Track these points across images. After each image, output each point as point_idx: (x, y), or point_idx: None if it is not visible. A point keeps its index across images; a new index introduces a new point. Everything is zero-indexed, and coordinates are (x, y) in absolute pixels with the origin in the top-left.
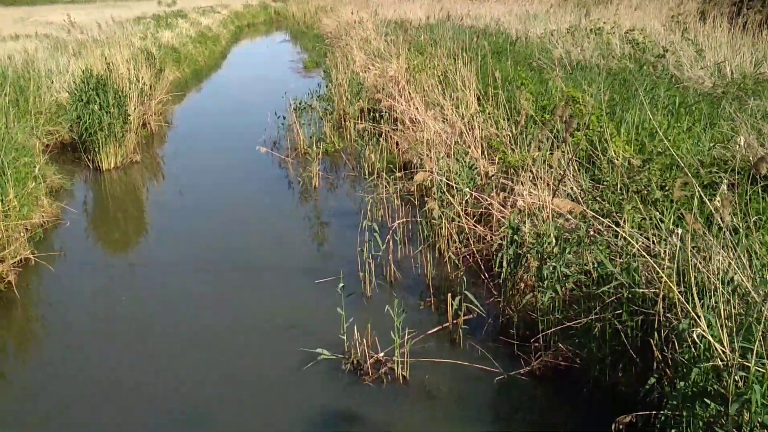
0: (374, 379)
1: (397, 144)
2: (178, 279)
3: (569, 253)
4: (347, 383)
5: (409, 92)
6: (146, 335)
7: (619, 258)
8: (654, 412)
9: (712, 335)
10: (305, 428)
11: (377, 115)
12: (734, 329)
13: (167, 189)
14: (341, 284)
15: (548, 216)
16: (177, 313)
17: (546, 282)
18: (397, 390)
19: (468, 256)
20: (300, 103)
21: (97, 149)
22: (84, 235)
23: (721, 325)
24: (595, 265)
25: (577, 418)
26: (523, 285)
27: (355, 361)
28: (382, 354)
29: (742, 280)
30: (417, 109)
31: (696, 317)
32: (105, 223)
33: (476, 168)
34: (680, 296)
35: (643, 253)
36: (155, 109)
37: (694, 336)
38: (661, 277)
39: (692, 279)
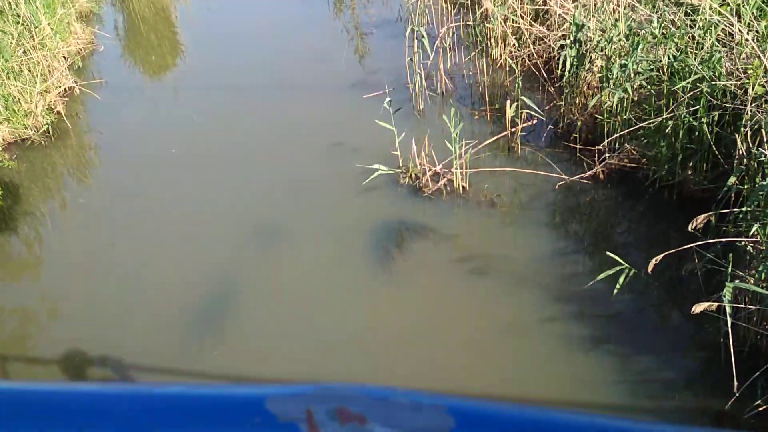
0: (434, 191)
1: None
2: (222, 100)
3: (642, 48)
4: (407, 196)
5: None
6: (200, 157)
7: (696, 50)
8: (733, 210)
9: None
10: (372, 238)
11: None
12: None
13: (197, 5)
14: (387, 99)
15: (615, 9)
16: (227, 134)
17: (614, 81)
18: (458, 200)
19: (525, 59)
20: None
21: None
22: (121, 60)
23: None
24: (670, 59)
25: (643, 218)
26: (585, 87)
27: (413, 175)
28: (439, 166)
29: None
30: None
31: None
32: (140, 46)
33: None
34: None
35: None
36: None
37: None
38: (748, 66)
39: None
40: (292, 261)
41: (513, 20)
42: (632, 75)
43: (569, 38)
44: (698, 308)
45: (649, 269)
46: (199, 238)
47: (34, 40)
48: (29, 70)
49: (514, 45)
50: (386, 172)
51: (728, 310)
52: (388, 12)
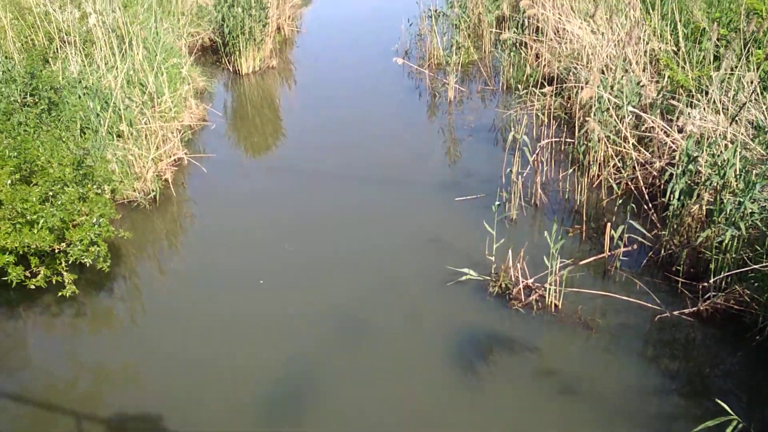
0: (524, 305)
1: (537, 56)
2: (317, 188)
3: (760, 188)
4: (495, 306)
5: None
6: (291, 242)
7: None
8: None
9: None
10: (456, 344)
11: (516, 24)
12: None
13: (301, 95)
14: (497, 202)
15: (728, 144)
16: (319, 222)
17: (725, 218)
18: (548, 317)
19: (627, 182)
20: (435, 11)
21: (238, 53)
22: (227, 137)
23: None
24: None
25: (746, 365)
26: (690, 219)
27: (503, 285)
28: (531, 280)
29: None
30: (565, 18)
31: None
32: (245, 126)
33: (642, 84)
34: None
35: None
36: (288, 13)
37: None
38: None
39: None
40: (373, 358)
41: (615, 142)
42: (747, 213)
43: (678, 168)
44: None
45: None
46: (281, 323)
47: (155, 110)
48: (145, 138)
49: (615, 167)
50: (476, 278)
51: None
52: (482, 120)
